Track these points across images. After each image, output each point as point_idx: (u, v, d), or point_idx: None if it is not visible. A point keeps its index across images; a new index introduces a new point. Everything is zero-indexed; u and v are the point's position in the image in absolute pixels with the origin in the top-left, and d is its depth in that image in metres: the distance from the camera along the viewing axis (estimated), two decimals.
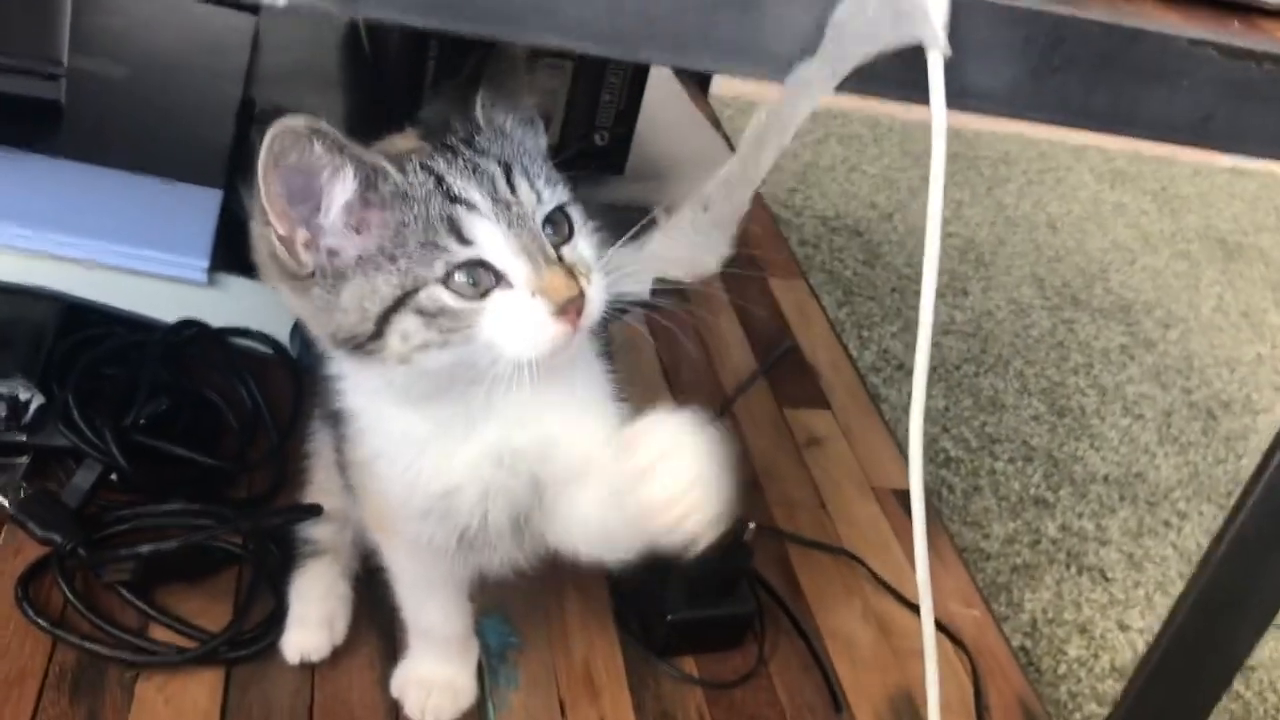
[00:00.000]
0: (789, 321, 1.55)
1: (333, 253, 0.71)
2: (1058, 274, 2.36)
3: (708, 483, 0.70)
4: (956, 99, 0.59)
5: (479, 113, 0.75)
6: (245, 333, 1.18)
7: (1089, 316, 2.25)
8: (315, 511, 0.99)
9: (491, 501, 0.81)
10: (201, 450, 1.08)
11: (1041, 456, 1.84)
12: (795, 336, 1.52)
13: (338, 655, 0.97)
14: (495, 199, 0.71)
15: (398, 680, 0.95)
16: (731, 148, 1.90)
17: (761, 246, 1.66)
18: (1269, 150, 0.68)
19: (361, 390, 0.80)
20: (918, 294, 1.96)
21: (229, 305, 1.16)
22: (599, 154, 1.49)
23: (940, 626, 1.14)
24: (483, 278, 0.70)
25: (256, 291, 1.16)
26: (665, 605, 1.02)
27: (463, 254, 0.70)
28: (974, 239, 2.40)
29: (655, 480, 0.69)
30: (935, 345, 2.04)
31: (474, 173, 0.72)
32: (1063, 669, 1.48)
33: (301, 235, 0.70)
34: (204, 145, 1.26)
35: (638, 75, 1.47)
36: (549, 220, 0.73)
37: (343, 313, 0.71)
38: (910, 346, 2.00)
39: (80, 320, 1.12)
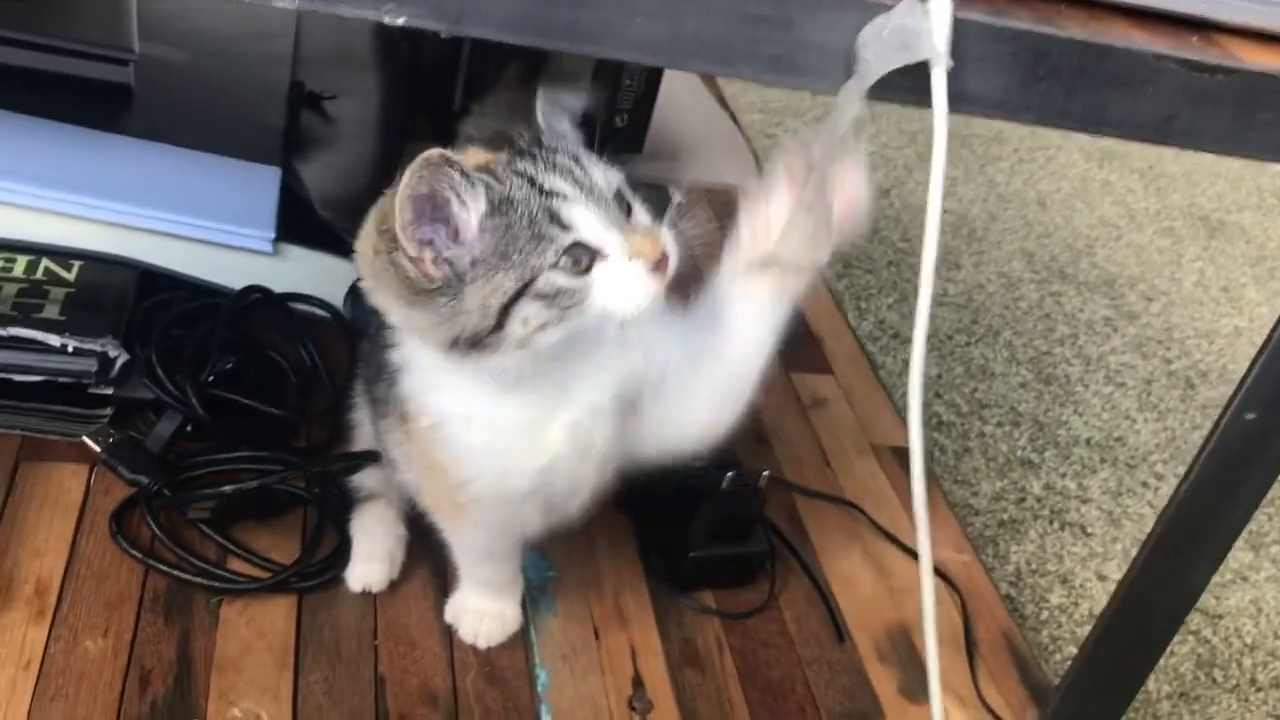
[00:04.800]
0: None
1: (451, 263, 0.78)
2: (1046, 249, 2.47)
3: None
4: (956, 103, 0.70)
5: (541, 118, 0.85)
6: (304, 298, 1.29)
7: (1075, 290, 2.36)
8: (374, 458, 1.10)
9: (585, 457, 0.91)
10: (266, 404, 1.19)
11: (1028, 421, 1.95)
12: (801, 307, 1.63)
13: (395, 585, 1.09)
14: (579, 186, 0.80)
15: (452, 609, 1.07)
16: (741, 130, 2.01)
17: None
18: (1222, 147, 0.78)
19: (460, 394, 0.88)
20: (913, 267, 2.09)
21: (289, 273, 1.27)
22: (619, 135, 1.60)
23: (934, 569, 1.26)
24: (582, 256, 0.79)
25: (314, 260, 1.28)
26: (687, 544, 1.14)
27: (565, 238, 0.78)
28: (967, 215, 2.51)
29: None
30: (929, 317, 2.16)
31: (555, 169, 0.81)
32: (1045, 615, 1.61)
33: (429, 254, 0.78)
34: (259, 125, 1.37)
35: None
36: (614, 198, 0.83)
37: (466, 314, 0.78)
38: (905, 317, 2.13)
39: (157, 286, 1.23)
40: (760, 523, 1.18)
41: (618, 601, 1.13)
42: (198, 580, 1.04)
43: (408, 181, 0.74)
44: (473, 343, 0.80)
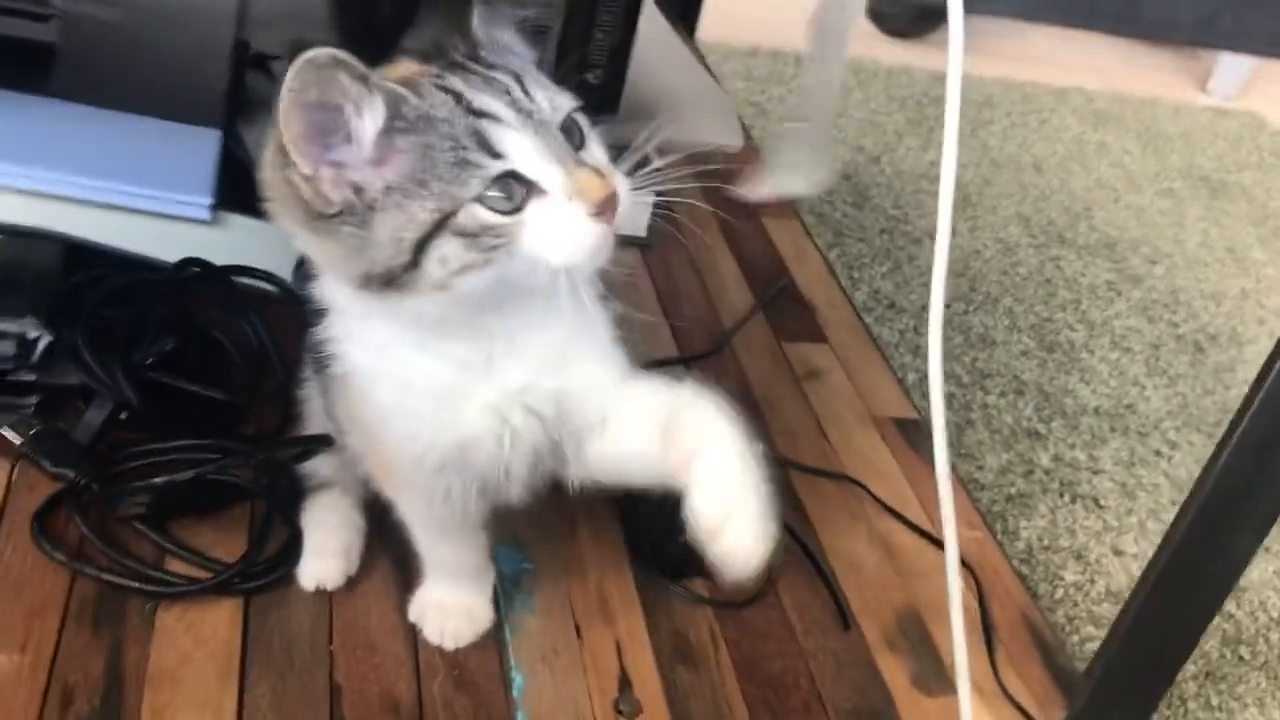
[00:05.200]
0: (785, 259, 1.56)
1: (359, 187, 0.69)
2: (1043, 213, 2.37)
3: (767, 524, 0.75)
4: (982, 3, 0.59)
5: (477, 29, 0.75)
6: (248, 271, 1.18)
7: (1075, 254, 2.26)
8: (326, 442, 1.00)
9: (510, 448, 0.82)
10: (208, 388, 1.08)
11: (1032, 390, 1.86)
12: (791, 273, 1.53)
13: (353, 582, 0.98)
14: (517, 109, 0.71)
15: (416, 605, 0.96)
16: (722, 88, 1.90)
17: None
18: (1268, 49, 0.69)
19: (371, 344, 0.79)
20: (906, 235, 1.97)
21: (231, 243, 1.16)
22: (593, 93, 1.49)
23: (942, 545, 1.16)
24: (515, 190, 0.69)
25: (258, 230, 1.17)
26: (677, 528, 1.03)
27: (495, 167, 0.69)
28: (960, 180, 2.40)
29: (724, 537, 0.75)
30: (924, 285, 2.06)
31: (489, 86, 0.71)
32: (1059, 594, 1.51)
33: (327, 173, 0.69)
34: (200, 86, 1.26)
35: (629, 13, 1.47)
36: (563, 128, 0.73)
37: (376, 247, 0.69)
38: (900, 287, 2.03)
39: (84, 261, 1.12)
40: None
41: (601, 593, 1.03)
42: (131, 584, 0.93)
43: (290, 85, 0.65)
44: (386, 280, 0.70)
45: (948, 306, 2.00)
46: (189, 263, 1.14)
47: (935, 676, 1.03)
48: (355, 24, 1.41)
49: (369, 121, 0.68)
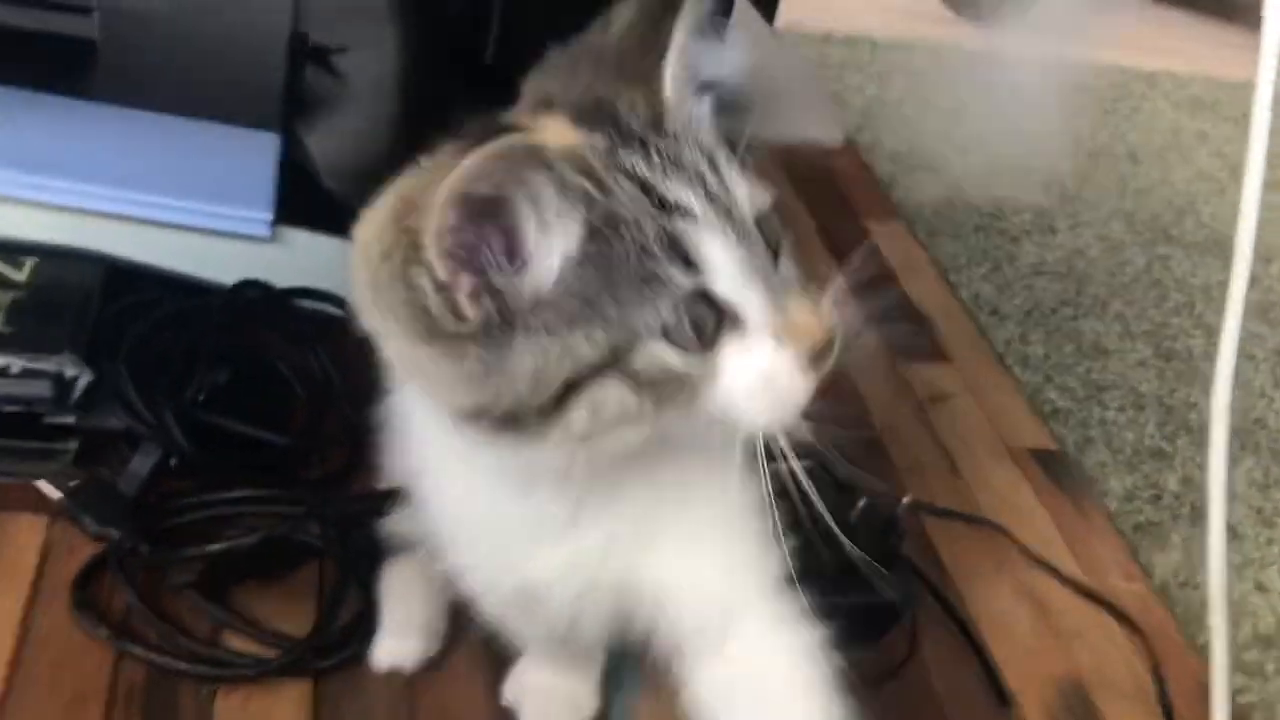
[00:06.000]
0: (892, 267, 1.42)
1: (504, 300, 0.52)
2: (1146, 208, 2.21)
3: None
4: None
5: (671, 82, 0.56)
6: (312, 293, 1.05)
7: (1184, 252, 2.10)
8: (403, 498, 0.87)
9: (584, 612, 0.66)
10: (269, 426, 0.96)
11: (1153, 404, 1.70)
12: (901, 283, 1.39)
13: (438, 661, 0.85)
14: (715, 203, 0.53)
15: (512, 687, 0.83)
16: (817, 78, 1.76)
17: (851, 186, 1.52)
18: None
19: (443, 471, 0.64)
20: (1003, 233, 1.77)
21: (293, 262, 1.03)
22: None
23: (1102, 602, 1.03)
24: (705, 320, 0.52)
25: (322, 246, 1.04)
26: (808, 593, 0.89)
27: (687, 283, 0.51)
28: (1055, 172, 2.26)
29: None
30: (1028, 287, 1.91)
31: (679, 170, 0.53)
32: (1201, 640, 1.36)
33: (468, 281, 0.52)
34: (254, 84, 1.14)
35: None
36: (762, 232, 0.55)
37: (508, 380, 0.52)
38: (1002, 290, 1.87)
39: (128, 285, 1.01)
40: (898, 559, 0.94)
41: None
42: (184, 666, 0.80)
43: (467, 172, 0.48)
44: (507, 422, 0.53)
45: (1054, 311, 1.85)
46: (246, 285, 1.01)
47: None
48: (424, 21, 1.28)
49: (559, 238, 0.51)
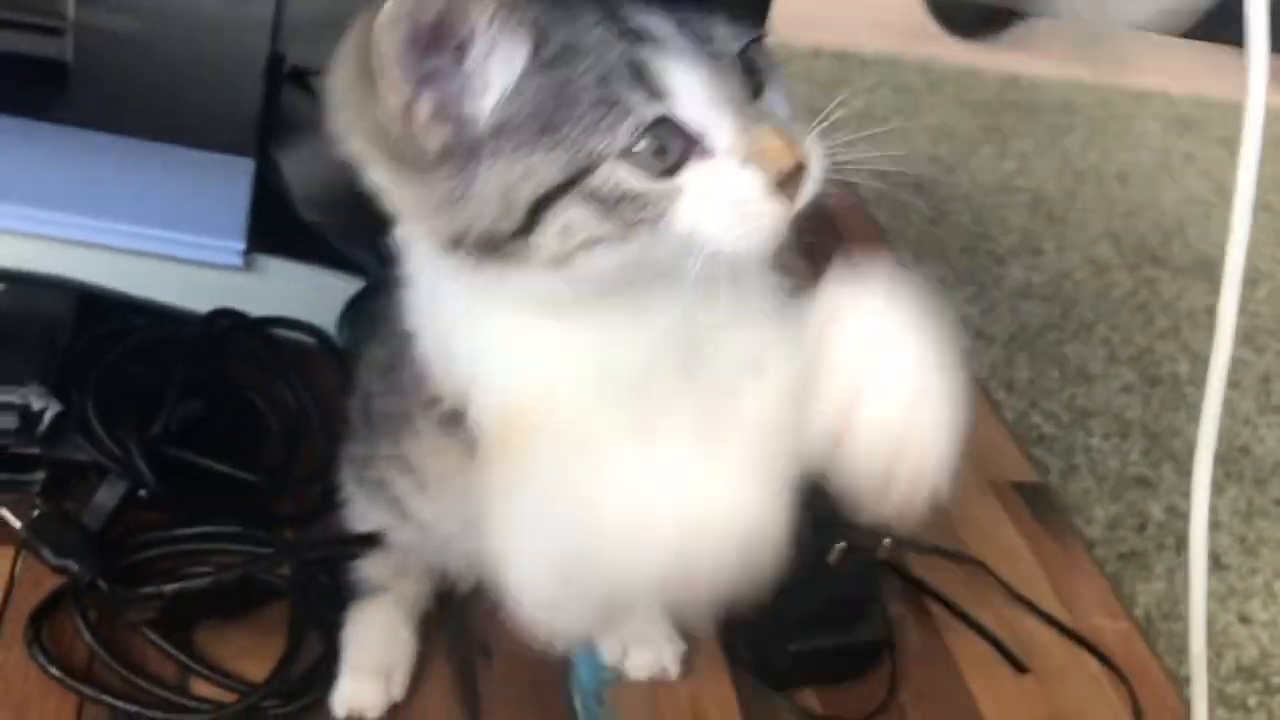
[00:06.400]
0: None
1: (464, 122, 0.54)
2: (1134, 229, 2.21)
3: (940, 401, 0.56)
4: None
5: None
6: (287, 323, 1.03)
7: (1170, 275, 2.10)
8: (374, 543, 0.85)
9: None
10: (240, 460, 0.94)
11: (1138, 430, 1.70)
12: None
13: (401, 706, 0.83)
14: (684, 29, 0.54)
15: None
16: None
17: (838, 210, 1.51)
18: None
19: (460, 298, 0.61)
20: (989, 254, 1.75)
21: (267, 292, 1.02)
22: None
23: (1084, 643, 1.02)
24: (671, 144, 0.53)
25: (298, 275, 1.03)
26: (786, 633, 0.88)
27: (651, 110, 0.52)
28: (1042, 192, 2.26)
29: (863, 406, 0.55)
30: (1013, 310, 1.91)
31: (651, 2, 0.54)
32: (1184, 670, 1.35)
33: (428, 102, 0.53)
34: (230, 108, 1.12)
35: None
36: (740, 66, 0.56)
37: (478, 204, 0.54)
38: (987, 312, 1.87)
39: (98, 314, 0.99)
40: (876, 601, 0.92)
41: (696, 708, 0.88)
42: (137, 710, 0.78)
43: None
44: (486, 246, 0.54)
45: (1040, 335, 1.85)
46: (220, 314, 1.00)
47: None
48: None
49: (504, 60, 0.53)
